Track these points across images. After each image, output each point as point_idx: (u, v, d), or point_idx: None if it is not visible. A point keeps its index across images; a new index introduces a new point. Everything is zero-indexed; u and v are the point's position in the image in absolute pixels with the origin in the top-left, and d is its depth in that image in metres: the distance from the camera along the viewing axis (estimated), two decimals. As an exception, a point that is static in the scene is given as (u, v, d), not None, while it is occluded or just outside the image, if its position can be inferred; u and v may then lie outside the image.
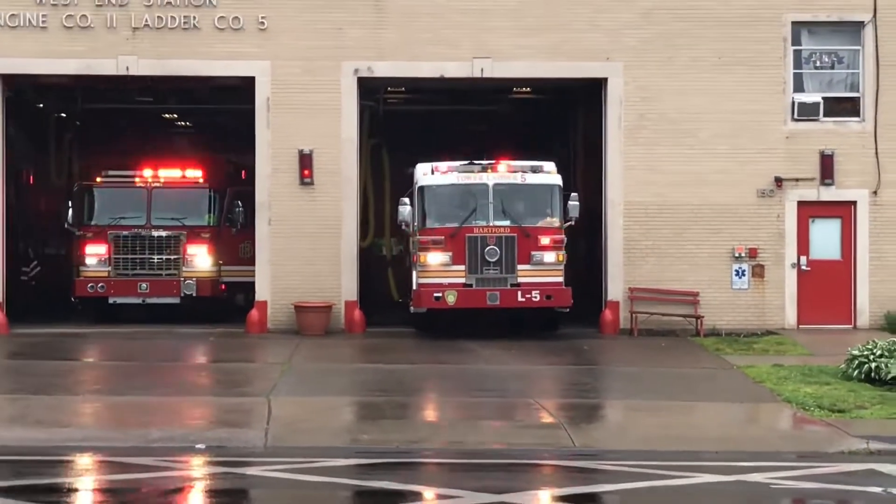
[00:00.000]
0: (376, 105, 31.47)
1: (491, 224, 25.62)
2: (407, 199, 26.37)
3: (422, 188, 26.14)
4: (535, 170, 26.30)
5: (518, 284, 25.47)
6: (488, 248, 25.38)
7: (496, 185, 25.85)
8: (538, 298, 25.31)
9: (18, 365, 23.28)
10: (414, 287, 26.30)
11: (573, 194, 26.25)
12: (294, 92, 27.63)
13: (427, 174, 26.29)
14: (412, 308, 26.52)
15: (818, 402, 19.40)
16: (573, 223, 26.41)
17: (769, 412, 19.63)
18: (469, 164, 26.35)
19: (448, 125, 35.70)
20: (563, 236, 25.97)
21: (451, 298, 25.20)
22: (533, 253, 25.55)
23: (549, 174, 26.33)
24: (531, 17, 27.67)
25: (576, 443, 17.08)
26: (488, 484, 14.52)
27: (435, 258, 25.58)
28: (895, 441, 17.08)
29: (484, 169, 26.13)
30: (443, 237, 25.56)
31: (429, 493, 14.06)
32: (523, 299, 25.36)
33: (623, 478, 14.92)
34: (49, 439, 16.82)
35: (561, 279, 25.80)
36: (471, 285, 25.50)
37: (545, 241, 25.63)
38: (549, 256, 25.67)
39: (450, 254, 25.49)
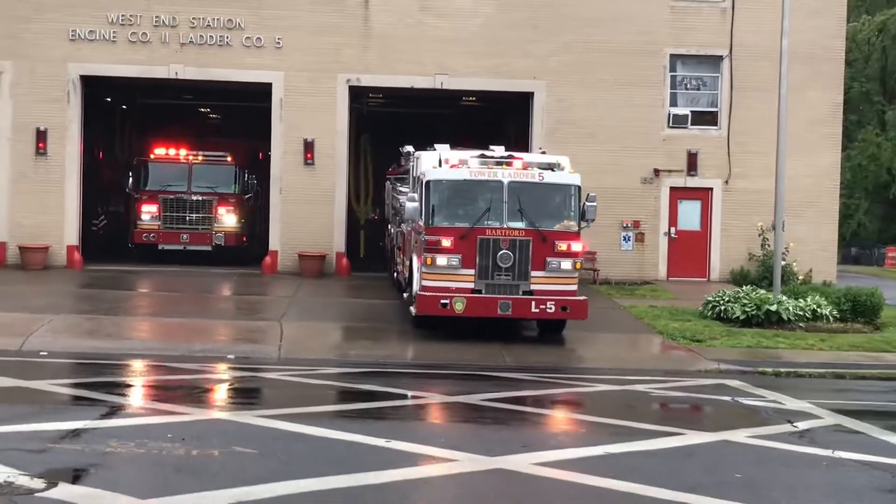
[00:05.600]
0: (362, 107, 31.20)
1: (505, 226, 18.14)
2: (416, 195, 18.92)
3: (429, 182, 18.43)
4: (552, 167, 18.98)
5: (531, 292, 18.11)
6: (501, 251, 17.97)
7: (511, 182, 18.29)
8: (553, 310, 18.16)
9: (91, 293, 23.09)
10: (416, 289, 18.65)
11: (591, 195, 19.15)
12: (301, 95, 27.38)
13: (435, 167, 18.67)
14: (413, 311, 18.92)
15: (682, 334, 19.71)
16: (589, 227, 19.50)
17: (646, 340, 19.88)
18: (481, 156, 18.85)
19: (415, 123, 35.51)
20: (581, 242, 18.84)
21: (459, 306, 17.92)
22: (548, 259, 18.12)
23: (567, 172, 18.99)
24: (479, 46, 27.59)
25: (507, 361, 17.28)
26: (447, 388, 14.71)
27: (442, 260, 18.04)
28: (738, 363, 17.46)
29: (498, 163, 18.67)
30: (452, 238, 18.04)
31: (403, 394, 14.22)
32: (537, 310, 18.14)
33: (542, 386, 15.15)
34: (116, 348, 16.88)
35: (576, 288, 18.53)
36: (480, 291, 18.09)
37: (562, 246, 18.24)
38: (566, 263, 18.25)
39: (459, 256, 18.01)
